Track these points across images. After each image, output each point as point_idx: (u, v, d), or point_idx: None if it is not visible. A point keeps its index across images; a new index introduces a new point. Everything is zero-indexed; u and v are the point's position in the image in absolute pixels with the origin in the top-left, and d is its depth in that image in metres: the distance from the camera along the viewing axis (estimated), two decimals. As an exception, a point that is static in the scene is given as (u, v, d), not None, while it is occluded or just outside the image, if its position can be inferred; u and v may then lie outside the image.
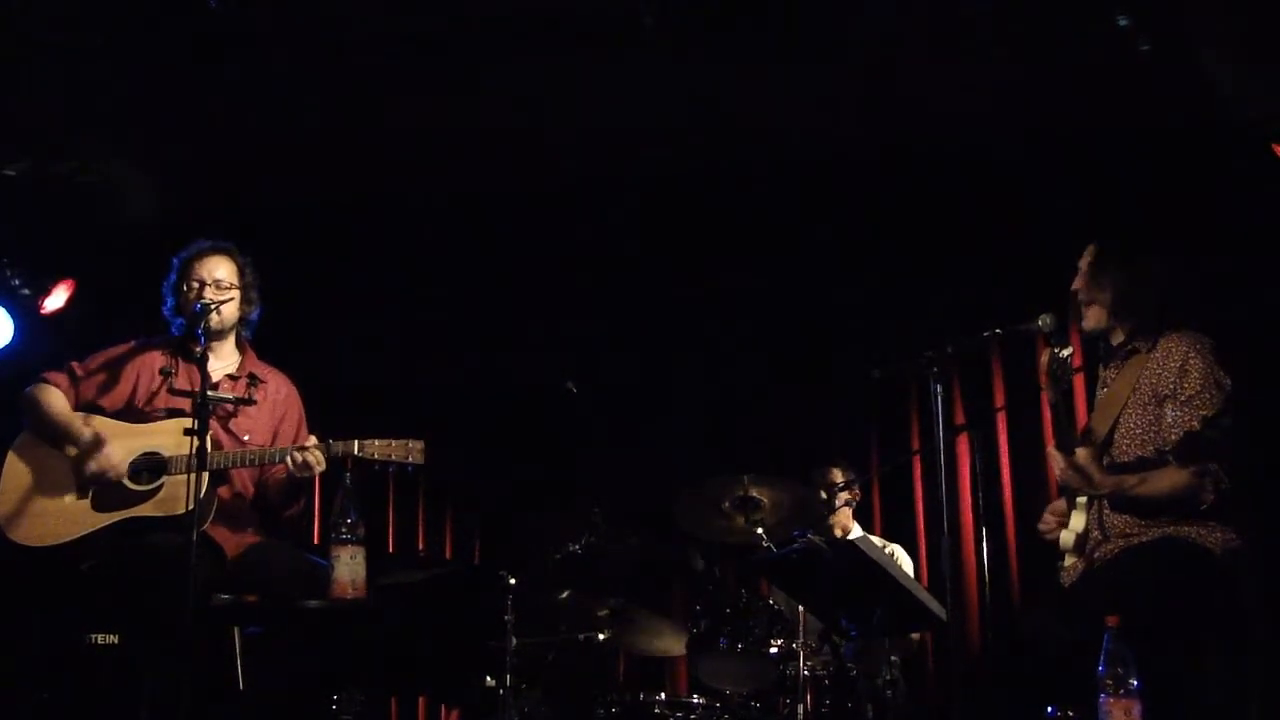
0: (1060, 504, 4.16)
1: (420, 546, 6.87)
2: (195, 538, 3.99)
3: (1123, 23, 4.97)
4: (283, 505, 4.64)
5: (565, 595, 5.24)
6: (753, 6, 5.12)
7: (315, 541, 6.29)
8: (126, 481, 4.43)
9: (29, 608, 4.58)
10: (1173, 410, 3.91)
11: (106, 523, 4.38)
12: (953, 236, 6.18)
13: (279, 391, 4.74)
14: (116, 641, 4.31)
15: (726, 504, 5.16)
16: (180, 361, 4.64)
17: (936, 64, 5.45)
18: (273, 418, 4.68)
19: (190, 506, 4.01)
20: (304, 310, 6.14)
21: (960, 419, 6.16)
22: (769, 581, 5.71)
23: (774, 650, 4.84)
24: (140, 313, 4.92)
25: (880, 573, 4.42)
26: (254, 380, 4.67)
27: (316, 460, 4.38)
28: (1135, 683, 3.38)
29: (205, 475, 4.19)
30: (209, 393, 4.24)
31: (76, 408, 4.55)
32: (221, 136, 6.00)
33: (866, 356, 4.56)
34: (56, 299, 6.18)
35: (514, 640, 4.87)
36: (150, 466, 4.44)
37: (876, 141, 6.09)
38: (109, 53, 5.24)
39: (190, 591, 3.90)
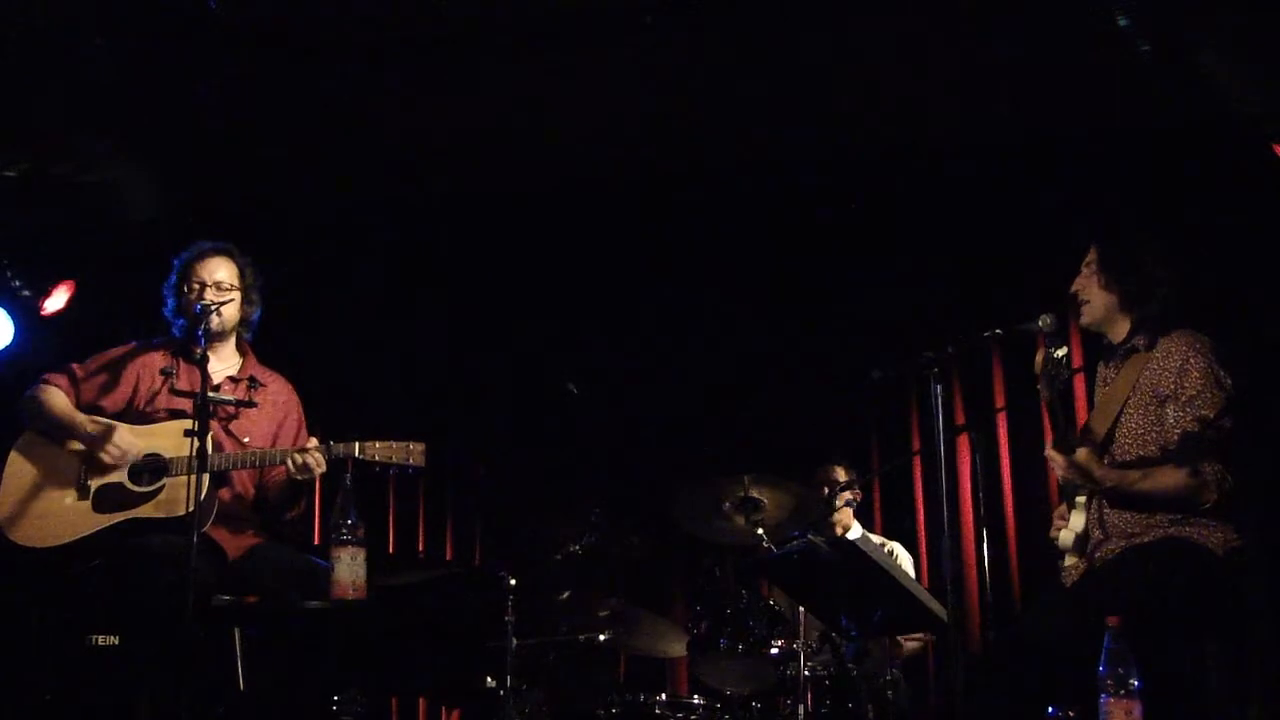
0: (1064, 507, 4.16)
1: (420, 547, 6.87)
2: (196, 539, 3.99)
3: (1123, 23, 4.97)
4: (283, 507, 4.65)
5: (565, 596, 5.23)
6: (753, 7, 5.12)
7: (316, 542, 6.28)
8: (127, 483, 4.43)
9: (30, 608, 4.59)
10: (1174, 410, 3.91)
11: (107, 524, 4.39)
12: (953, 236, 6.18)
13: (279, 394, 4.75)
14: (117, 642, 4.32)
15: (727, 504, 5.16)
16: (181, 363, 4.64)
17: (936, 64, 5.46)
18: (273, 420, 4.69)
19: (191, 508, 4.01)
20: (304, 311, 6.15)
21: (960, 419, 6.15)
22: (769, 582, 5.71)
23: (774, 651, 4.84)
24: (140, 314, 4.93)
25: (880, 573, 4.42)
26: (254, 383, 4.68)
27: (317, 462, 4.39)
28: (1136, 683, 3.38)
29: (206, 477, 4.20)
30: (210, 394, 4.25)
31: (77, 409, 4.56)
32: (221, 136, 5.99)
33: (866, 356, 4.55)
34: (57, 300, 6.18)
35: (514, 641, 4.86)
36: (151, 468, 4.45)
37: (876, 141, 6.09)
38: (109, 53, 5.24)
39: (190, 593, 3.91)
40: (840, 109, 5.84)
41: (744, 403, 6.52)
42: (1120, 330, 4.15)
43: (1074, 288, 4.19)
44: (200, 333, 4.43)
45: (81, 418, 4.50)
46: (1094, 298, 4.15)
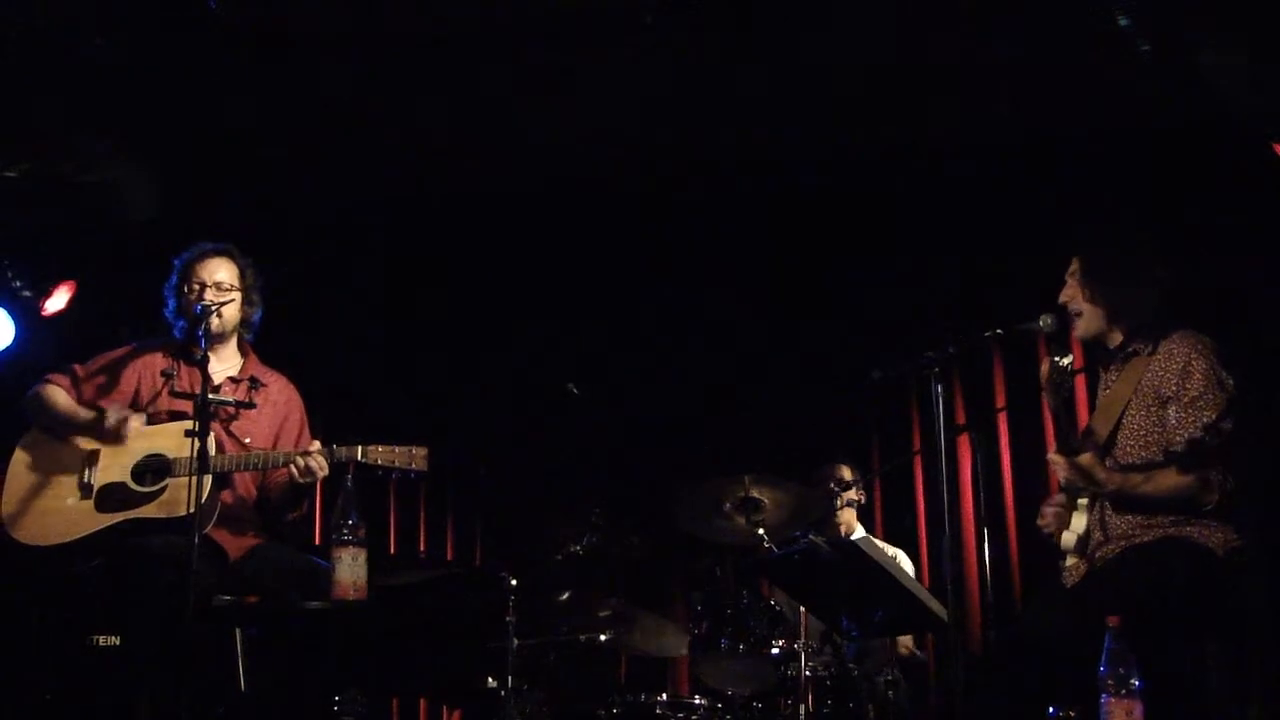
0: (1060, 496, 4.16)
1: (421, 548, 6.87)
2: (197, 540, 3.99)
3: (1123, 23, 4.97)
4: (285, 509, 4.65)
5: (566, 596, 5.23)
6: (753, 7, 5.12)
7: (316, 542, 6.28)
8: (130, 482, 4.43)
9: (30, 607, 4.59)
10: (1176, 412, 3.91)
11: (109, 523, 4.39)
12: (953, 236, 6.18)
13: (280, 395, 4.75)
14: (118, 642, 4.32)
15: (727, 504, 5.15)
16: (182, 364, 4.64)
17: (935, 64, 5.45)
18: (274, 421, 4.68)
19: (192, 509, 4.02)
20: (304, 311, 6.14)
21: (961, 419, 6.15)
22: (770, 582, 5.71)
23: (775, 651, 4.83)
24: (141, 314, 4.93)
25: (881, 573, 4.42)
26: (255, 383, 4.67)
27: (319, 465, 4.39)
28: (1137, 683, 3.38)
29: (208, 479, 4.20)
30: (210, 395, 4.25)
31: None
32: (221, 136, 5.99)
33: (867, 356, 4.55)
34: (57, 300, 6.18)
35: (515, 641, 4.86)
36: (154, 468, 4.45)
37: (877, 141, 6.08)
38: (109, 53, 5.24)
39: (191, 593, 3.91)
40: (840, 109, 5.84)
41: (744, 403, 6.52)
42: (1116, 338, 4.15)
43: (1062, 299, 4.17)
44: (201, 333, 4.43)
45: (85, 410, 4.52)
46: (1084, 311, 4.14)
